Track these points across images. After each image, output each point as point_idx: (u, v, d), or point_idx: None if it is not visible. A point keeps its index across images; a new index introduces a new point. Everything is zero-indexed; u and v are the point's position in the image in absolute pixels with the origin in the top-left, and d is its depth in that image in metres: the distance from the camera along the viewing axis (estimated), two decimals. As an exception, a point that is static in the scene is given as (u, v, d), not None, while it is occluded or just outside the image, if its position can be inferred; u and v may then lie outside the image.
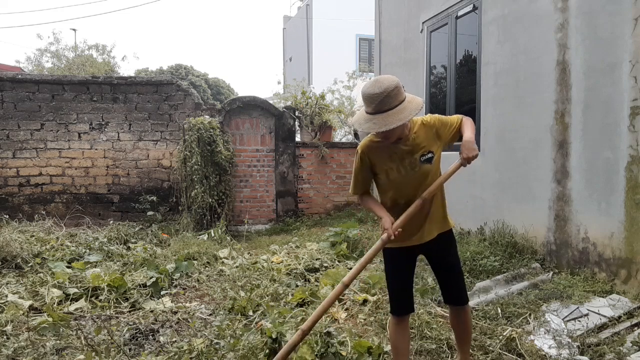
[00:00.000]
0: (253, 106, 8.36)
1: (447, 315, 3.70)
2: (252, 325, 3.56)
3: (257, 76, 64.73)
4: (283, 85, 15.07)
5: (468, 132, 2.46)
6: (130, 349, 3.28)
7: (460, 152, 2.41)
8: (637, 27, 3.73)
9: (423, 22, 6.93)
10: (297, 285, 4.63)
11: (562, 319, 3.43)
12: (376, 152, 2.51)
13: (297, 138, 9.00)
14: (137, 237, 6.84)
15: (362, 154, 2.55)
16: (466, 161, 2.40)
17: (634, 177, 3.76)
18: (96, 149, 8.17)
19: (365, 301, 4.02)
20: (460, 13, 6.11)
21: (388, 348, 3.10)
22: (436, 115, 2.61)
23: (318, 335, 3.04)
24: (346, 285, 2.47)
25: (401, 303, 2.62)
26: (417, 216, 2.48)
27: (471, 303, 3.82)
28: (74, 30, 33.57)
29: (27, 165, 7.98)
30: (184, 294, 4.60)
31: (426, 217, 2.53)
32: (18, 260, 5.18)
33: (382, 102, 2.29)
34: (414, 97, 2.40)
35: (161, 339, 3.46)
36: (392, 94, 2.30)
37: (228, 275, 5.01)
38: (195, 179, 7.41)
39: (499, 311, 3.68)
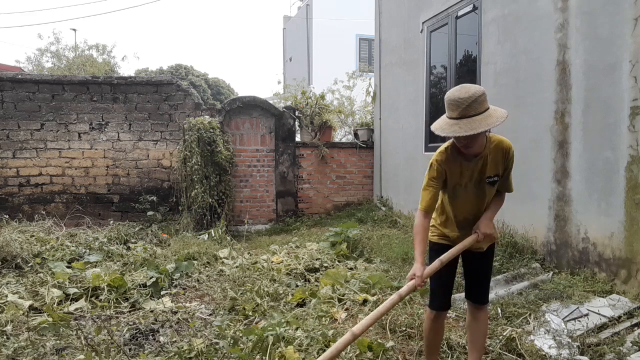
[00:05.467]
0: (253, 106, 8.36)
1: (449, 316, 3.71)
2: (252, 326, 3.55)
3: (257, 76, 64.77)
4: (283, 85, 15.05)
5: (495, 212, 2.60)
6: (130, 349, 3.28)
7: (480, 228, 2.51)
8: (637, 27, 3.73)
9: (423, 22, 6.93)
10: (297, 285, 4.63)
11: (562, 319, 3.43)
12: (451, 165, 2.49)
13: (297, 138, 9.00)
14: (137, 237, 6.85)
15: (438, 167, 2.49)
16: (483, 237, 2.52)
17: (634, 177, 3.76)
18: (96, 149, 8.17)
19: (365, 301, 4.02)
20: (460, 13, 6.11)
21: (389, 345, 3.11)
22: (513, 150, 2.57)
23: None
24: (402, 297, 2.40)
25: (442, 298, 2.68)
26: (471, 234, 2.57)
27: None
28: (74, 30, 33.57)
29: (27, 165, 7.98)
30: (184, 294, 4.60)
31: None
32: (18, 260, 5.18)
33: (469, 106, 2.27)
34: (497, 108, 2.39)
35: (161, 339, 3.46)
36: (479, 100, 2.28)
37: (228, 275, 5.01)
38: (195, 179, 7.41)
39: (499, 311, 3.68)
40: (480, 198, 2.55)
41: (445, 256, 2.48)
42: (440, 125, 2.38)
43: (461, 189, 2.52)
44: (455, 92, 2.32)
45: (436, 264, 2.46)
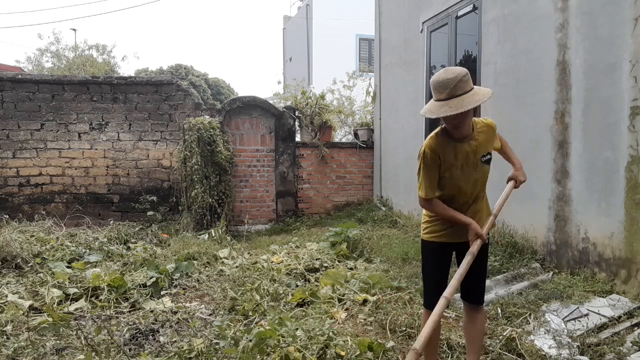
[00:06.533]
0: (253, 106, 8.36)
1: (449, 316, 3.71)
2: (252, 326, 3.55)
3: (257, 76, 64.74)
4: (283, 85, 15.06)
5: (518, 159, 2.88)
6: (130, 349, 3.28)
7: (517, 177, 2.79)
8: (637, 27, 3.73)
9: (423, 22, 6.93)
10: (297, 285, 4.63)
11: (562, 319, 3.43)
12: (444, 150, 2.52)
13: (297, 138, 9.00)
14: (137, 237, 6.85)
15: (432, 154, 2.51)
16: (521, 184, 2.77)
17: (634, 177, 3.76)
18: (96, 149, 8.17)
19: (365, 301, 4.02)
20: (460, 13, 6.11)
21: (390, 345, 3.10)
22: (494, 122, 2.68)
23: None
24: (449, 300, 2.38)
25: (436, 297, 2.66)
26: (476, 215, 2.62)
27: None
28: (74, 30, 33.51)
29: (27, 165, 7.98)
30: (184, 294, 4.60)
31: (479, 220, 2.62)
32: (18, 260, 5.18)
33: (455, 86, 2.32)
34: (481, 87, 2.45)
35: (161, 339, 3.46)
36: (464, 79, 2.34)
37: (228, 275, 5.01)
38: (195, 179, 7.41)
39: (499, 311, 3.68)
40: (477, 179, 2.58)
41: (496, 209, 2.68)
42: (429, 109, 2.42)
43: (457, 171, 2.53)
44: (441, 74, 2.38)
45: (492, 218, 2.62)
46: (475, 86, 2.41)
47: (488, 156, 2.58)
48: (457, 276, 2.41)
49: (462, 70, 2.37)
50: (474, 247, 2.48)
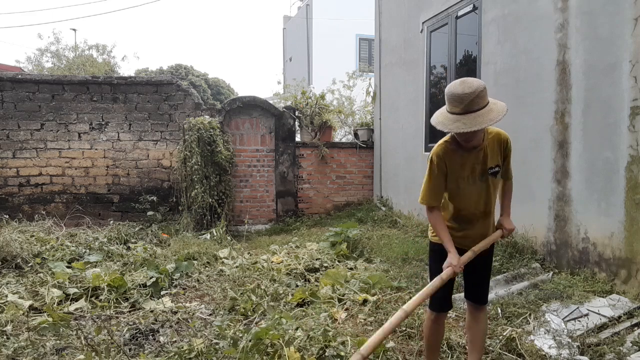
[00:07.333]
0: (253, 106, 8.36)
1: (449, 316, 3.71)
2: (252, 326, 3.55)
3: (257, 76, 64.79)
4: (283, 85, 15.06)
5: (510, 208, 2.75)
6: (130, 349, 3.28)
7: (503, 225, 2.65)
8: (637, 27, 3.72)
9: (423, 22, 6.93)
10: (297, 285, 4.63)
11: (562, 319, 3.43)
12: (451, 158, 2.49)
13: (297, 138, 9.00)
14: (137, 237, 6.85)
15: (438, 160, 2.48)
16: (509, 233, 2.68)
17: (634, 177, 3.76)
18: (96, 149, 8.17)
19: (365, 301, 4.02)
20: (460, 13, 6.11)
21: (389, 345, 3.11)
22: (510, 141, 2.62)
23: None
24: (407, 313, 2.26)
25: (443, 300, 2.68)
26: (485, 230, 2.62)
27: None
28: (74, 30, 33.57)
29: (27, 165, 7.98)
30: (184, 294, 4.60)
31: (488, 232, 2.65)
32: (18, 260, 5.18)
33: (472, 102, 2.26)
34: (496, 101, 2.38)
35: (161, 339, 3.46)
36: (481, 95, 2.28)
37: (228, 275, 5.01)
38: (195, 179, 7.41)
39: (499, 311, 3.68)
40: (485, 190, 2.54)
41: (477, 247, 2.52)
42: (442, 121, 2.37)
43: (464, 182, 2.51)
44: (458, 87, 2.30)
45: (469, 254, 2.49)
46: (490, 100, 2.35)
47: (496, 169, 2.53)
48: (421, 293, 2.32)
49: (480, 84, 2.30)
50: (445, 273, 2.40)
